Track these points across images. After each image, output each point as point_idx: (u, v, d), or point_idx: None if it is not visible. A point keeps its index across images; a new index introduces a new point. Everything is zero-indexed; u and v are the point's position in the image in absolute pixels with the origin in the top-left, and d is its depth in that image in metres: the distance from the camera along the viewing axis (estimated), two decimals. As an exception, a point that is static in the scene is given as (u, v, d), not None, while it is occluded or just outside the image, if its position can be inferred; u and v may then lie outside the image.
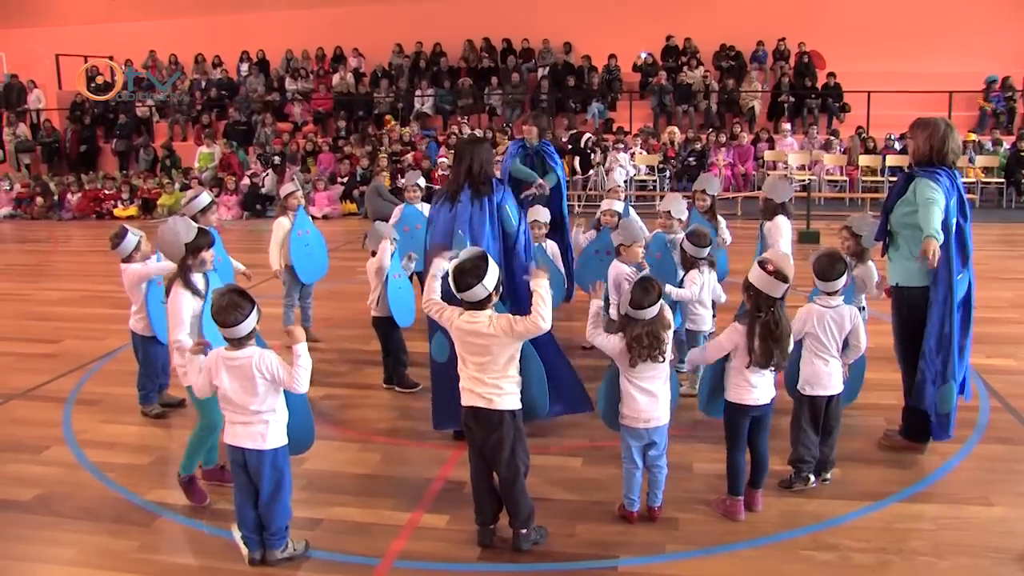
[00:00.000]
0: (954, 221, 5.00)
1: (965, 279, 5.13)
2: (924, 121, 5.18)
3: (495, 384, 4.12)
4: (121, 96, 20.64)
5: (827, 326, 4.74)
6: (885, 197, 5.43)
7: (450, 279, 4.13)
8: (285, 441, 4.15)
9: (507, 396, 4.14)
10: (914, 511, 4.62)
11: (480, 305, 4.10)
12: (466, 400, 4.20)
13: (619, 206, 7.18)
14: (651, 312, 4.26)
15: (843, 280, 4.79)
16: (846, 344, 4.84)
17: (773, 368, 4.43)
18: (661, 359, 4.31)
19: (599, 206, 7.50)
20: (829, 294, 4.79)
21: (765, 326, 4.36)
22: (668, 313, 4.42)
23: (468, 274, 4.04)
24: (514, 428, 4.18)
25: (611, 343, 4.38)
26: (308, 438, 4.46)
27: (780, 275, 4.33)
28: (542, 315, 4.05)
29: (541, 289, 4.10)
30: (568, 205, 8.17)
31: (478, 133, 18.22)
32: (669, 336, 4.37)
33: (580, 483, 5.03)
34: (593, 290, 4.57)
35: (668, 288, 5.87)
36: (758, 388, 4.47)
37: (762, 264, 4.39)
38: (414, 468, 5.34)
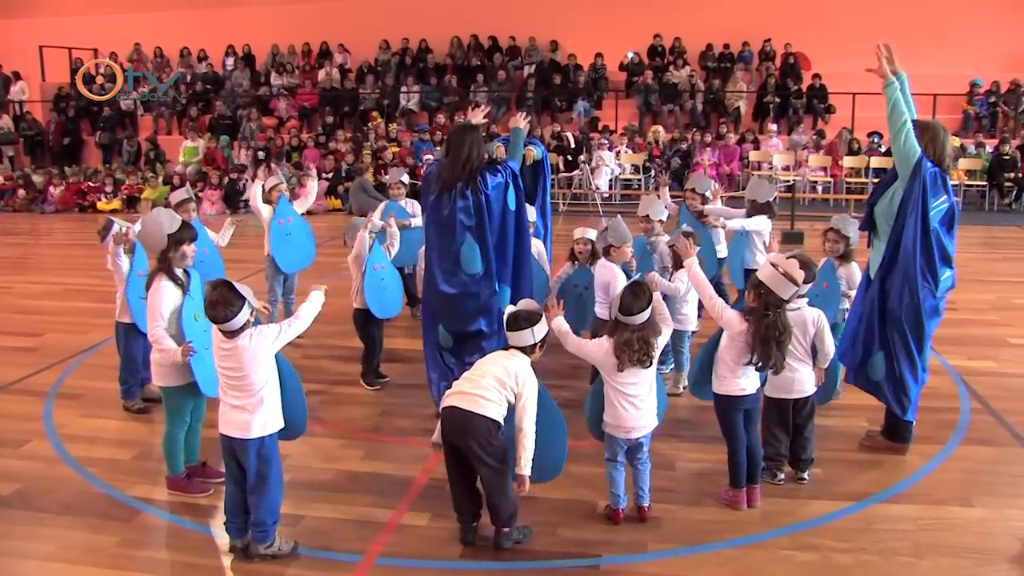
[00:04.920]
0: (936, 226, 5.05)
1: (951, 278, 5.19)
2: (924, 123, 5.17)
3: (484, 389, 4.14)
4: (121, 96, 20.48)
5: None
6: (871, 191, 5.46)
7: (504, 322, 4.34)
8: (274, 430, 4.15)
9: (493, 405, 4.13)
10: (895, 512, 4.65)
11: (526, 352, 4.29)
12: (450, 400, 4.19)
13: (592, 234, 7.07)
14: (641, 317, 4.31)
15: (809, 285, 4.83)
16: (816, 350, 4.86)
17: (773, 370, 4.48)
18: (648, 364, 4.34)
19: (584, 204, 7.43)
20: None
21: (771, 328, 4.39)
22: (663, 319, 4.51)
23: (522, 320, 4.27)
24: (492, 435, 4.12)
25: (595, 348, 4.44)
26: (300, 422, 4.44)
27: (790, 277, 4.38)
28: (524, 430, 4.15)
29: (525, 466, 4.15)
30: (553, 204, 8.13)
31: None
32: (660, 343, 4.42)
33: (562, 482, 5.00)
34: (550, 308, 4.67)
35: (655, 276, 5.88)
36: (743, 379, 4.52)
37: (774, 264, 4.44)
38: (396, 465, 5.33)
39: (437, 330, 5.77)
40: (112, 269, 6.02)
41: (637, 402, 4.37)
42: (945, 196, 5.06)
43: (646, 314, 4.32)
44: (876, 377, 5.22)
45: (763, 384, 4.73)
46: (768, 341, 4.38)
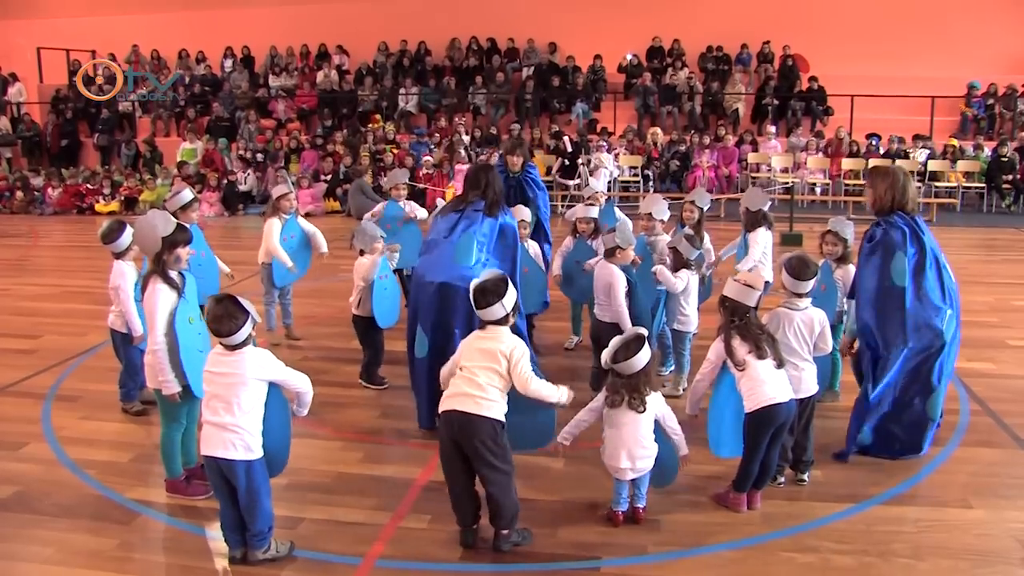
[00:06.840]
0: (917, 266, 5.12)
1: (953, 317, 5.20)
2: (883, 170, 5.34)
3: (483, 390, 4.13)
4: (121, 97, 20.47)
5: (797, 329, 4.77)
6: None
7: (471, 297, 4.27)
8: (259, 455, 4.09)
9: (495, 405, 4.14)
10: (895, 513, 4.65)
11: (499, 323, 4.25)
12: (451, 404, 4.18)
13: (595, 212, 7.16)
14: (627, 367, 4.34)
15: (812, 283, 4.84)
16: (813, 346, 4.87)
17: (776, 363, 4.48)
18: (642, 409, 4.36)
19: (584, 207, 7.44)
20: (798, 296, 4.82)
21: (744, 329, 4.48)
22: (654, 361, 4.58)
23: (489, 293, 4.21)
24: (498, 436, 4.15)
25: (593, 405, 4.53)
26: (282, 459, 4.34)
27: (750, 284, 4.50)
28: (534, 389, 4.17)
29: (555, 395, 4.24)
30: (552, 205, 8.14)
31: (466, 137, 18.07)
32: (656, 395, 4.47)
33: (562, 484, 5.03)
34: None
35: (662, 269, 6.09)
36: (769, 383, 4.45)
37: (735, 280, 4.55)
38: (396, 468, 5.32)
39: (416, 333, 5.63)
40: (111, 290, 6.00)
41: (631, 443, 4.39)
42: (915, 249, 5.10)
43: (633, 364, 4.33)
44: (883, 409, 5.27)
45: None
46: (747, 338, 4.46)
